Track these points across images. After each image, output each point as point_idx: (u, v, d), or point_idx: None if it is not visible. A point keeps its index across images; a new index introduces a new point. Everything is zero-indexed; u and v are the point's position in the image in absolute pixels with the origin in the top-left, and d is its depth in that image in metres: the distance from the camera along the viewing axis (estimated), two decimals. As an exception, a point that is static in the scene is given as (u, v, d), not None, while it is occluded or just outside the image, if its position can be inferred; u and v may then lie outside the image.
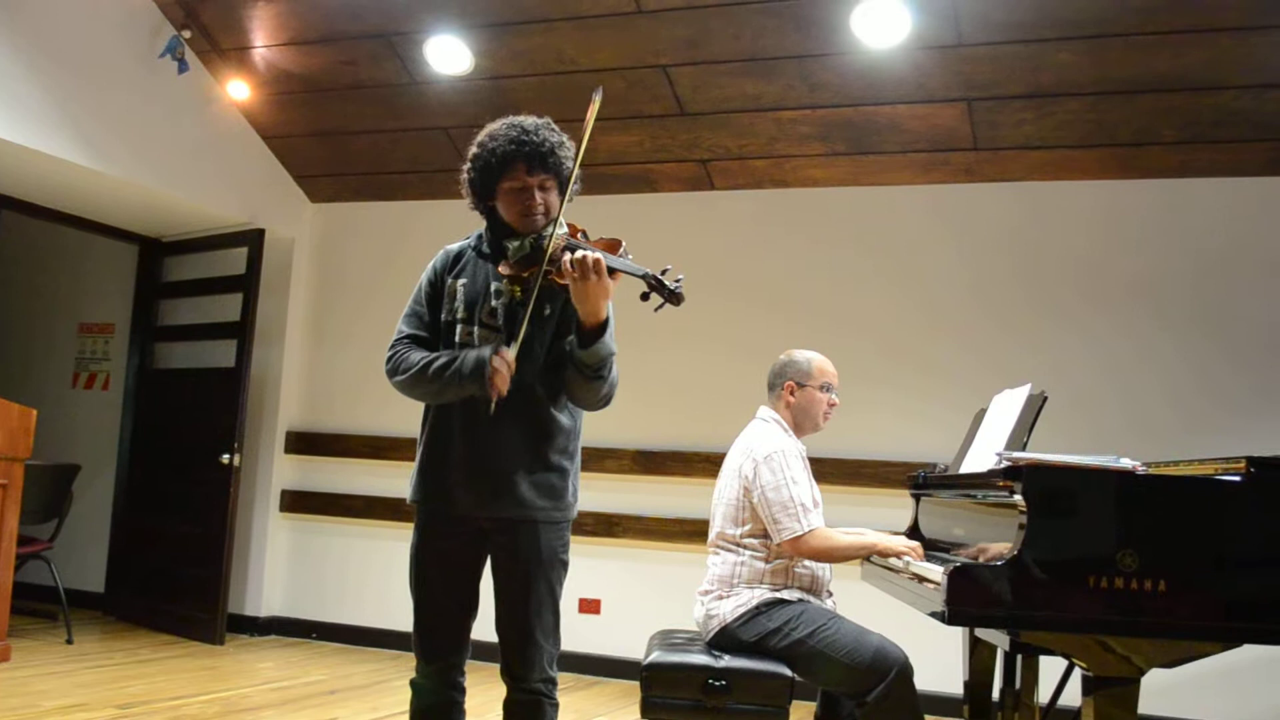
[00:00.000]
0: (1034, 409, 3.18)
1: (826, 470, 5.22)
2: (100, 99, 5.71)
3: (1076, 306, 5.53)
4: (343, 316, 7.09)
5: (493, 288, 2.85)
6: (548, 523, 2.82)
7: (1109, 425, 5.29)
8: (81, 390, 7.78)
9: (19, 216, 6.58)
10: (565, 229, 2.80)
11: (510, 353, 2.69)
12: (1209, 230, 5.36)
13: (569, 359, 2.74)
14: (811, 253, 6.04)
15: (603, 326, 2.69)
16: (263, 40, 6.05)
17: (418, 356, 2.83)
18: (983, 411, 3.66)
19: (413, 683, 2.92)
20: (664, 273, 2.69)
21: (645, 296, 2.71)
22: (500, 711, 2.89)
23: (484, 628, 2.91)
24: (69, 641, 6.04)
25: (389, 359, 2.89)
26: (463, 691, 2.92)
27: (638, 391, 6.19)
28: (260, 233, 6.69)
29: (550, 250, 2.71)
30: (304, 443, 7.03)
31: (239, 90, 6.32)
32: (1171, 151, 5.32)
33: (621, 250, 2.72)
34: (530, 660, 2.81)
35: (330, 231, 7.22)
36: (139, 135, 5.94)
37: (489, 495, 2.78)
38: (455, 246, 3.01)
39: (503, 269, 2.79)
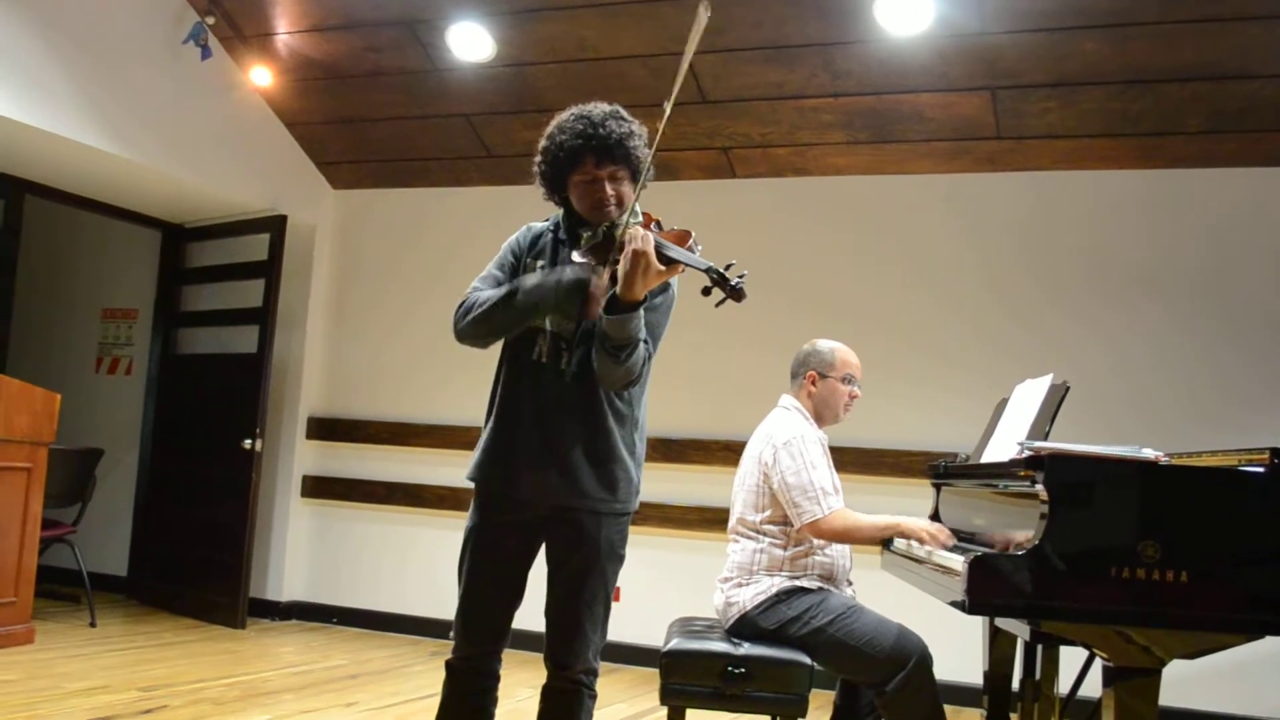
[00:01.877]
0: (1056, 399, 3.16)
1: (846, 459, 5.20)
2: (124, 84, 5.74)
3: (1099, 298, 5.50)
4: (364, 302, 7.11)
5: None
6: (610, 514, 2.82)
7: (1126, 419, 5.26)
8: (105, 375, 7.84)
9: (43, 202, 6.62)
10: (640, 217, 2.76)
11: (605, 280, 2.63)
12: (1233, 220, 5.32)
13: (596, 332, 2.70)
14: (833, 241, 6.02)
15: (634, 305, 2.63)
16: (285, 26, 6.06)
17: (492, 292, 2.78)
18: (1004, 401, 3.64)
19: (448, 664, 2.90)
20: (728, 268, 2.63)
21: (707, 291, 2.65)
22: (535, 697, 2.88)
23: (522, 613, 2.90)
24: (92, 624, 6.09)
25: (460, 305, 2.83)
26: (497, 679, 2.90)
27: (657, 379, 6.14)
28: (282, 219, 6.72)
29: (621, 239, 2.67)
30: (325, 428, 7.06)
31: (262, 76, 6.33)
32: (1196, 141, 5.28)
33: (691, 242, 2.67)
34: (576, 651, 2.81)
35: (352, 218, 7.23)
36: (162, 121, 5.96)
37: (554, 483, 2.77)
38: (538, 226, 2.97)
39: (576, 256, 2.76)
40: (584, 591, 2.81)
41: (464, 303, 2.83)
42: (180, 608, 6.75)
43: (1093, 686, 2.71)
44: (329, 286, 7.22)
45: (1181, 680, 3.73)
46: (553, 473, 2.77)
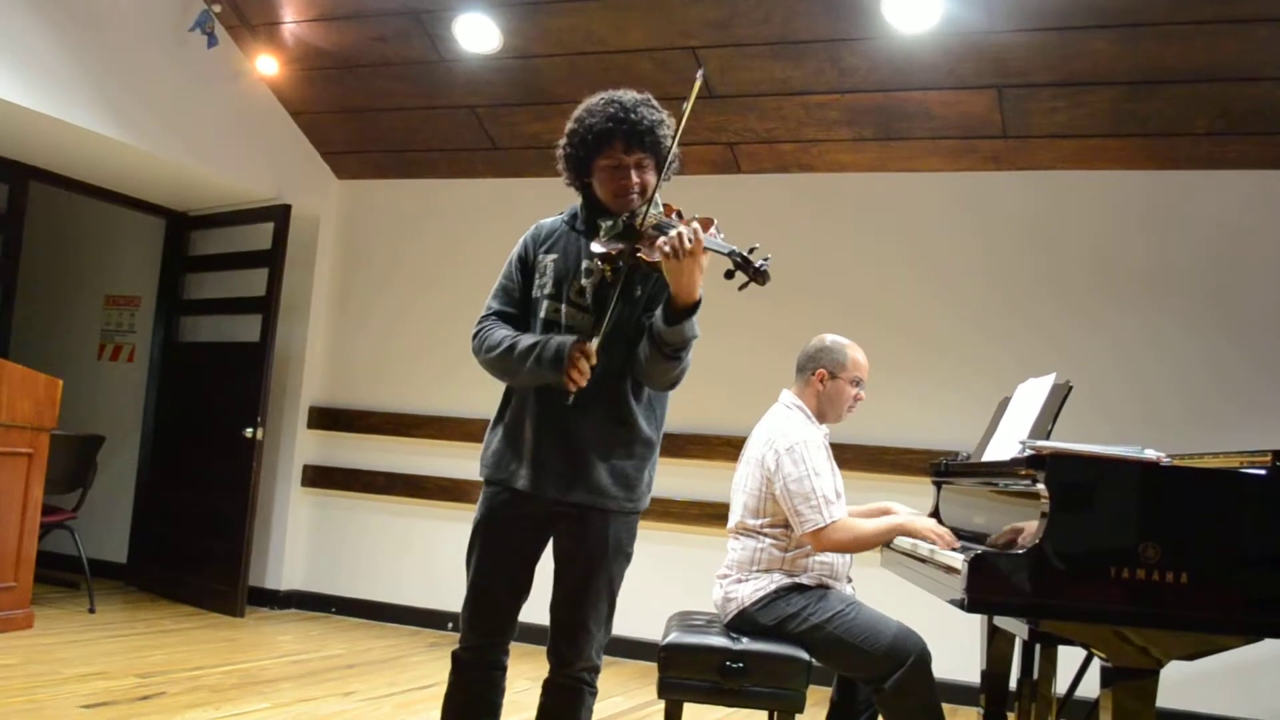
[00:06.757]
0: (1059, 398, 3.16)
1: (847, 456, 5.20)
2: (130, 72, 5.73)
3: (1102, 298, 5.49)
4: (367, 293, 7.11)
5: (583, 265, 2.79)
6: (619, 512, 2.79)
7: (1128, 419, 5.26)
8: (107, 362, 7.84)
9: (47, 188, 6.61)
10: (661, 208, 2.74)
11: (592, 345, 2.60)
12: (1239, 222, 5.31)
13: (648, 333, 2.65)
14: (837, 238, 6.01)
15: (694, 307, 2.58)
16: (292, 15, 6.05)
17: (501, 334, 2.77)
18: (1006, 400, 3.64)
19: (455, 655, 2.89)
20: (751, 251, 2.58)
21: (730, 274, 2.59)
22: (534, 690, 2.88)
23: (528, 608, 2.90)
24: (91, 611, 6.10)
25: (475, 335, 2.84)
26: (504, 670, 2.89)
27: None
28: (286, 208, 6.71)
29: (643, 229, 2.65)
30: (326, 418, 7.06)
31: (268, 65, 6.32)
32: (1203, 142, 5.26)
33: (713, 229, 2.63)
34: (579, 647, 2.80)
35: (356, 208, 7.23)
36: (168, 109, 5.96)
37: (564, 480, 2.74)
38: (548, 222, 2.94)
39: (595, 246, 2.71)
40: (590, 589, 2.79)
41: (479, 331, 2.84)
42: (179, 595, 6.75)
43: (1090, 686, 2.71)
44: (332, 276, 7.22)
45: (1180, 682, 3.73)
46: (567, 469, 2.74)
